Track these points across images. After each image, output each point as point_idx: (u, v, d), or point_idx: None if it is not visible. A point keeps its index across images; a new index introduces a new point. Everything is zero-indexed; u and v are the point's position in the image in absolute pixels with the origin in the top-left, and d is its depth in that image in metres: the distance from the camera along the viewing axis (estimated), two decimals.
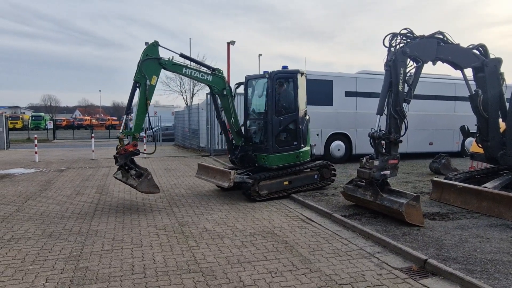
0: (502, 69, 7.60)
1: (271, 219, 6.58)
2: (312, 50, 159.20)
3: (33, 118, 55.62)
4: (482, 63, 7.41)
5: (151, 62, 7.27)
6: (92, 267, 4.52)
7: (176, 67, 7.64)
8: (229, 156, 8.88)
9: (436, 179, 7.92)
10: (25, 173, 11.99)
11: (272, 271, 4.43)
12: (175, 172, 12.19)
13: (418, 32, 6.78)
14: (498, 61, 7.55)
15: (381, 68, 6.94)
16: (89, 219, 6.58)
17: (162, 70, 7.48)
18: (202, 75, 8.03)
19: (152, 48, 7.31)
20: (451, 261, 4.53)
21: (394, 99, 6.48)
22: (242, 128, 8.67)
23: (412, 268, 4.47)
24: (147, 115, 7.37)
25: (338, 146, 13.74)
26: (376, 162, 6.43)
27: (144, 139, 19.14)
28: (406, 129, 6.61)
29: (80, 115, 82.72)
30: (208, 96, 15.07)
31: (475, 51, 7.50)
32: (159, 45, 7.40)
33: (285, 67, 8.57)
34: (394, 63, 6.44)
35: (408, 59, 6.59)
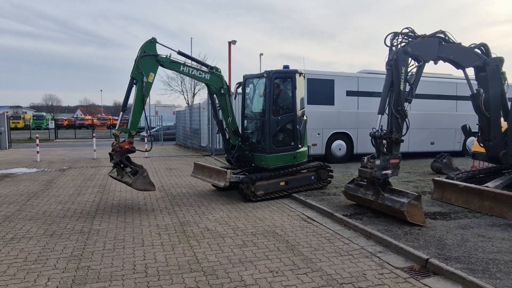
0: (503, 69, 7.58)
1: (273, 219, 6.58)
2: (313, 49, 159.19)
3: (35, 117, 55.74)
4: (483, 62, 7.39)
5: (149, 59, 7.21)
6: (94, 266, 4.53)
7: (173, 64, 7.57)
8: (226, 155, 8.86)
9: (437, 178, 7.91)
10: (27, 172, 12.02)
11: (273, 270, 4.43)
12: (177, 172, 12.20)
13: (419, 32, 6.77)
14: (500, 60, 7.53)
15: (382, 68, 6.94)
16: (91, 219, 6.59)
17: (162, 69, 7.44)
18: (199, 73, 7.99)
19: (149, 45, 7.25)
20: (452, 261, 4.52)
21: (395, 98, 6.47)
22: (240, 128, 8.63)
23: (413, 267, 4.47)
24: (144, 113, 7.31)
25: (339, 146, 13.73)
26: (378, 162, 6.43)
27: (146, 139, 19.14)
28: (407, 128, 6.60)
29: (81, 114, 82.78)
30: None
31: (476, 50, 7.48)
32: (157, 42, 7.34)
33: (286, 67, 8.56)
34: (395, 63, 6.43)
35: (410, 59, 6.59)
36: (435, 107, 14.80)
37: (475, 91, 7.59)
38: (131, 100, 7.45)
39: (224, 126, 8.52)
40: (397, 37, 6.63)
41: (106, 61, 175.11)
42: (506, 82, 7.65)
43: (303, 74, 8.51)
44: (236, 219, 6.55)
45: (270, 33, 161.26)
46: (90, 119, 61.75)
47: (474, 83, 7.73)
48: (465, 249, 4.92)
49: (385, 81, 6.64)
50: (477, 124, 7.95)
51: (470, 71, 7.67)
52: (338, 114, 13.51)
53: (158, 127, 28.62)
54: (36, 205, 7.58)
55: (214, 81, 8.13)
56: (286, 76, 8.38)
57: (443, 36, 6.99)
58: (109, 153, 7.16)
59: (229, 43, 18.44)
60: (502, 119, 7.74)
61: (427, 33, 6.85)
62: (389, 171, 6.47)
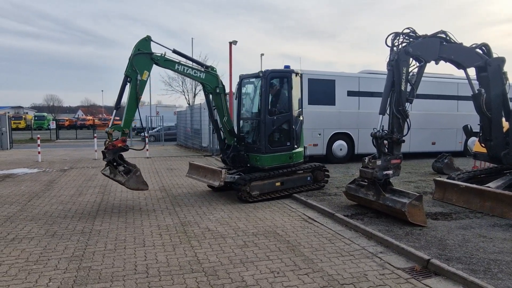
0: (505, 69, 7.57)
1: (273, 219, 6.58)
2: (314, 49, 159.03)
3: (36, 118, 55.89)
4: (485, 62, 7.38)
5: (143, 57, 7.13)
6: (95, 266, 4.54)
7: (168, 63, 7.47)
8: (221, 155, 8.82)
9: (439, 178, 7.90)
10: (28, 173, 12.04)
11: (274, 271, 4.43)
12: (178, 172, 12.21)
13: (420, 31, 6.77)
14: (501, 61, 7.52)
15: (383, 68, 6.93)
16: (92, 219, 6.60)
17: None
18: (195, 72, 7.90)
19: (144, 43, 7.18)
20: (454, 261, 4.52)
21: (396, 98, 6.47)
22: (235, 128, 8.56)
23: (414, 268, 4.47)
24: (139, 112, 7.25)
25: (340, 146, 13.72)
26: (379, 162, 6.43)
27: (147, 139, 19.16)
28: (408, 128, 6.59)
29: (82, 115, 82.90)
30: None
31: (478, 50, 7.47)
32: (152, 40, 7.26)
33: (287, 67, 8.56)
34: (396, 63, 6.42)
35: (411, 59, 6.58)
36: (437, 107, 14.79)
37: (477, 91, 7.59)
38: (125, 98, 7.32)
39: (220, 126, 8.45)
40: (398, 37, 6.63)
41: (107, 61, 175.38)
42: (507, 82, 7.64)
43: (299, 74, 8.47)
44: (237, 220, 6.55)
45: (271, 33, 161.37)
46: (91, 120, 61.82)
47: (476, 83, 7.73)
48: (467, 250, 4.92)
49: (386, 81, 6.64)
50: (478, 124, 7.94)
51: (472, 71, 7.67)
52: (339, 114, 13.51)
53: (159, 127, 28.67)
54: (38, 205, 7.59)
55: (210, 80, 8.06)
56: (282, 76, 8.35)
57: (444, 36, 6.99)
58: (102, 151, 7.07)
59: (230, 43, 18.42)
60: (503, 119, 7.73)
61: (428, 33, 6.85)
62: (390, 172, 6.46)
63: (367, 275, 4.31)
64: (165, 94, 71.03)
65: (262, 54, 50.45)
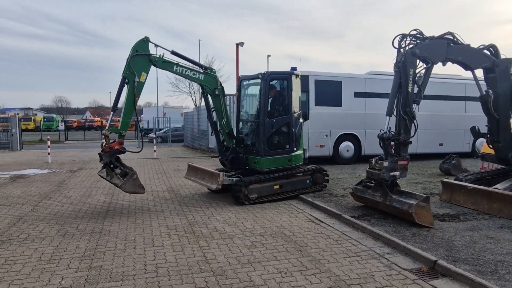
0: None
1: (281, 220, 6.63)
2: (318, 49, 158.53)
3: (45, 119, 56.55)
4: (492, 63, 7.37)
5: (141, 58, 7.04)
6: (106, 266, 4.63)
7: (166, 64, 7.39)
8: (219, 157, 8.77)
9: (446, 180, 7.89)
10: (39, 173, 12.23)
11: (282, 271, 4.48)
12: (185, 173, 12.27)
13: (425, 31, 6.77)
14: (509, 62, 7.50)
15: (390, 68, 6.94)
16: (102, 219, 6.71)
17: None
18: (193, 74, 7.83)
19: (142, 44, 7.07)
20: (461, 262, 4.53)
21: (403, 100, 6.49)
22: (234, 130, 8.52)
23: (421, 269, 4.49)
24: (136, 114, 7.20)
25: (347, 147, 13.73)
26: (386, 163, 6.45)
27: (154, 140, 19.32)
28: (415, 130, 6.60)
29: (90, 116, 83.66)
30: None
31: (485, 51, 7.46)
32: (150, 41, 7.20)
33: (293, 68, 8.58)
34: (403, 64, 6.44)
35: (418, 60, 6.59)
36: (444, 108, 14.72)
37: (484, 93, 7.57)
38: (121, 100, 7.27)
39: (218, 128, 8.39)
40: (405, 39, 6.64)
41: (114, 62, 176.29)
42: None
43: (299, 76, 8.40)
44: (245, 220, 6.61)
45: (276, 33, 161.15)
46: (99, 121, 62.38)
47: (483, 84, 7.71)
48: (474, 251, 4.92)
49: (393, 83, 6.66)
50: (486, 125, 7.92)
51: (479, 72, 7.65)
52: (346, 116, 13.51)
53: (166, 129, 28.86)
54: (49, 205, 7.73)
55: (208, 82, 7.99)
56: (282, 77, 8.32)
57: (451, 37, 6.99)
58: (99, 154, 7.04)
59: (237, 45, 18.51)
60: (511, 120, 7.70)
61: (435, 35, 6.86)
62: (397, 173, 6.48)
63: (374, 276, 4.35)
64: (172, 95, 71.43)
65: (268, 56, 50.60)
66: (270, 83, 8.07)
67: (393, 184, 6.60)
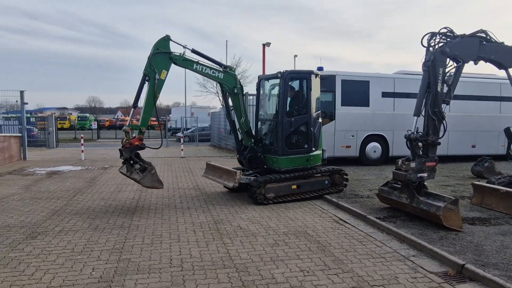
0: None
1: (304, 219, 6.64)
2: (348, 50, 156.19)
3: (79, 118, 58.83)
4: None
5: (162, 56, 7.16)
6: (134, 259, 4.81)
7: (186, 62, 7.47)
8: (237, 156, 8.81)
9: (477, 182, 7.63)
10: (73, 170, 12.78)
11: (304, 269, 4.50)
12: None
13: (458, 30, 6.59)
14: None
15: (420, 68, 6.80)
16: (131, 215, 6.95)
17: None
18: (213, 72, 7.88)
19: (163, 42, 7.19)
20: (490, 267, 4.39)
21: (432, 100, 6.34)
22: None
23: (448, 272, 4.38)
24: (155, 110, 7.30)
25: (374, 148, 13.50)
26: (413, 164, 6.32)
27: (182, 139, 19.71)
28: (444, 130, 6.43)
29: (121, 115, 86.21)
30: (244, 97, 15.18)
31: None
32: (171, 40, 7.30)
33: (320, 69, 8.60)
34: (432, 63, 6.29)
35: (448, 59, 6.42)
36: (477, 108, 14.19)
37: None
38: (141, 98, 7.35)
39: (237, 127, 8.43)
40: (434, 37, 6.49)
41: (144, 64, 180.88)
42: None
43: (319, 76, 8.35)
44: (268, 219, 6.66)
45: (304, 33, 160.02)
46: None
47: None
48: (505, 256, 4.75)
49: (422, 82, 6.52)
50: None
51: None
52: (373, 116, 13.29)
53: (194, 128, 29.34)
54: (81, 200, 8.08)
55: (228, 80, 8.03)
56: (301, 76, 8.28)
57: (484, 35, 6.76)
58: (119, 149, 7.13)
59: (264, 45, 18.62)
60: None
61: (467, 32, 6.66)
62: (424, 174, 6.34)
63: (398, 278, 4.29)
64: (200, 95, 72.50)
65: (295, 56, 50.08)
66: (289, 82, 8.06)
67: (421, 186, 6.46)
